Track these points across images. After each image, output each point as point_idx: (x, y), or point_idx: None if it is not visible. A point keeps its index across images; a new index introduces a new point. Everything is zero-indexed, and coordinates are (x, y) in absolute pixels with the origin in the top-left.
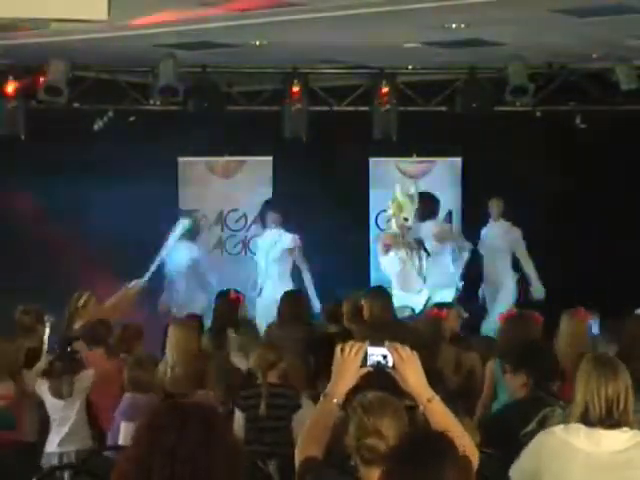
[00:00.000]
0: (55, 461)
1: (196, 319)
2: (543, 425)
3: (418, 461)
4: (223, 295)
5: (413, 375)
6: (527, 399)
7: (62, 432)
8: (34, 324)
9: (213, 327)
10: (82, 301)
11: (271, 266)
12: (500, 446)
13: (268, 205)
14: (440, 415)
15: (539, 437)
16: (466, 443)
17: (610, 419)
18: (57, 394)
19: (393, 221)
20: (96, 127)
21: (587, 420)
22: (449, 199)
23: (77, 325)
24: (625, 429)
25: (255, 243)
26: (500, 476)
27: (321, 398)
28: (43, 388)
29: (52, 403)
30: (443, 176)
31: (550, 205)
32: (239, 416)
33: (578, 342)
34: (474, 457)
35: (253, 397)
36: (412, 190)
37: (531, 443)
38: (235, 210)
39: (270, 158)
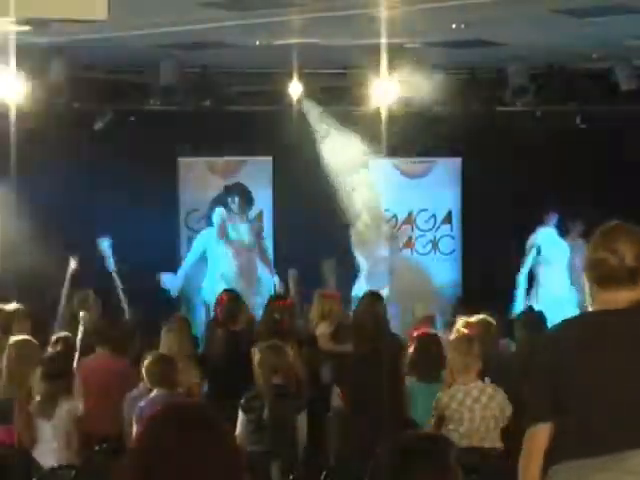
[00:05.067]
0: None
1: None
2: None
3: (404, 463)
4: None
5: None
6: None
7: (45, 445)
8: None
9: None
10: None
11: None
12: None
13: (232, 192)
14: None
15: None
16: None
17: None
18: (42, 415)
19: None
20: (96, 127)
21: None
22: (449, 199)
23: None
24: None
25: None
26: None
27: None
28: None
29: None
30: (443, 176)
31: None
32: (241, 417)
33: None
34: None
35: (257, 399)
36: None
37: None
38: None
39: (270, 158)
